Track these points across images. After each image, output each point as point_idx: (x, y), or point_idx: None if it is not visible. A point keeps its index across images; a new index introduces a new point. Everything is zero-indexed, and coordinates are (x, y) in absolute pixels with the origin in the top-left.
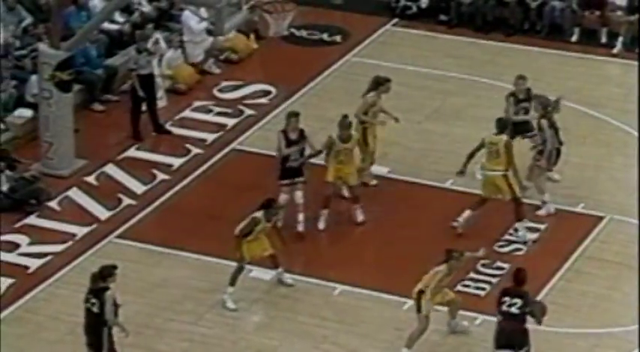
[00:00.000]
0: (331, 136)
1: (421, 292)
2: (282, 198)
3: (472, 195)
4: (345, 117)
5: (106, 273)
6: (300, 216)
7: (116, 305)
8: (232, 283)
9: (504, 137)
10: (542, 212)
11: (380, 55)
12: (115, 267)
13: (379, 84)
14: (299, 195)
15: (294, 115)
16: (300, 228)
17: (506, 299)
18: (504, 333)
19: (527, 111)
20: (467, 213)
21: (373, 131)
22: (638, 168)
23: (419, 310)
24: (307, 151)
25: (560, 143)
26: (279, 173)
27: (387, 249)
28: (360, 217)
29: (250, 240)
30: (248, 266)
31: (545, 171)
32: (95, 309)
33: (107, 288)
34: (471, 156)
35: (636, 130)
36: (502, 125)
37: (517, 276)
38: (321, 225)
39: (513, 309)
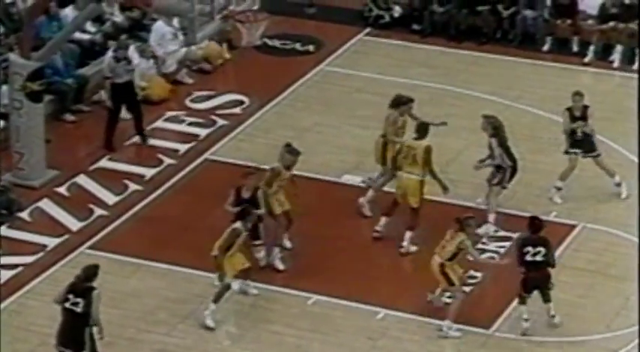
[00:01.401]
0: (276, 167)
1: (442, 265)
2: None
3: (443, 203)
4: (290, 144)
5: (90, 273)
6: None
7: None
8: (216, 301)
9: (424, 142)
10: (481, 230)
11: (353, 64)
12: (97, 267)
13: (401, 103)
14: (261, 255)
15: (249, 174)
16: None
17: (529, 249)
18: (533, 281)
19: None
20: (383, 219)
21: (393, 149)
22: (638, 186)
23: (451, 283)
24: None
25: (513, 161)
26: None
27: (361, 258)
28: (287, 244)
29: (232, 254)
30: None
31: (500, 191)
32: (79, 309)
33: (93, 288)
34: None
35: (607, 138)
36: (423, 130)
37: (534, 225)
38: (288, 244)
39: (538, 257)
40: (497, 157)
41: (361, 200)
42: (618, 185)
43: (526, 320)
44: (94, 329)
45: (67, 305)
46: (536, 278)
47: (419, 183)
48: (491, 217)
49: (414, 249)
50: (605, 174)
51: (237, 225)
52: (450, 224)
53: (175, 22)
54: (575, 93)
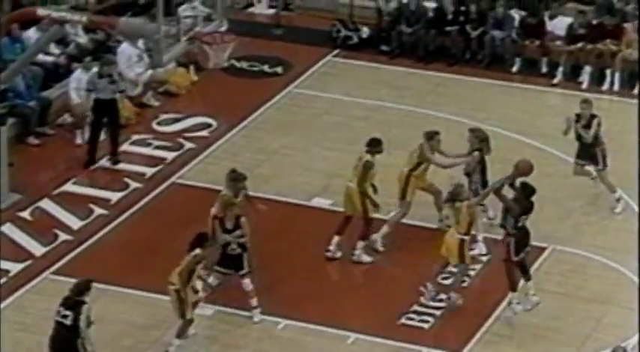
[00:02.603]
0: (226, 194)
1: (462, 242)
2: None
3: (412, 226)
4: (233, 171)
5: (83, 287)
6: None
7: (90, 322)
8: (180, 336)
9: (367, 156)
10: (475, 252)
11: (322, 86)
12: (90, 281)
13: (429, 138)
14: (246, 283)
15: (231, 204)
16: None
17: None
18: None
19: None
20: (335, 238)
21: (415, 184)
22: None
23: (463, 261)
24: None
25: (485, 182)
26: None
27: (331, 282)
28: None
29: (192, 285)
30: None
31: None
32: (68, 322)
33: (84, 302)
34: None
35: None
36: (371, 143)
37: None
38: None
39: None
40: (473, 173)
41: (374, 236)
42: (618, 200)
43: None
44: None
45: (58, 318)
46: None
47: (360, 194)
48: (481, 237)
49: (367, 259)
50: (608, 190)
51: (199, 251)
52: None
53: (140, 43)
54: (582, 101)
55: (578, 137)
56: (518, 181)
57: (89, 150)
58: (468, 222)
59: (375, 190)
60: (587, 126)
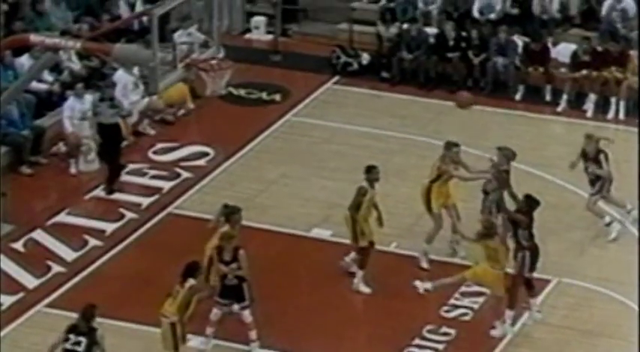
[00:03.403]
0: (227, 231)
1: (506, 274)
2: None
3: (416, 258)
4: (226, 206)
5: (89, 314)
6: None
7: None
8: None
9: (364, 184)
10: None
11: (321, 114)
12: (94, 307)
13: (447, 149)
14: (246, 315)
15: (229, 237)
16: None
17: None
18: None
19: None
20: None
21: (438, 195)
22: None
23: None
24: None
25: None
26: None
27: (330, 315)
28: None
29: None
30: None
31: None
32: (81, 348)
33: (95, 328)
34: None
35: (582, 190)
36: (366, 170)
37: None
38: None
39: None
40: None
41: (423, 264)
42: (608, 225)
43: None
44: None
45: (68, 345)
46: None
47: (351, 221)
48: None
49: (366, 289)
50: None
51: (193, 281)
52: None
53: (136, 70)
54: (586, 137)
55: (587, 171)
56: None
57: (115, 167)
58: (507, 254)
59: (380, 222)
60: (596, 162)
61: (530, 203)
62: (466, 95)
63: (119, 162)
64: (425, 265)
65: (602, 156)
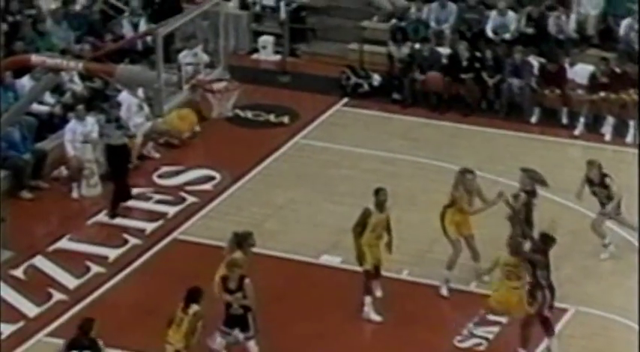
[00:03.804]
0: (233, 258)
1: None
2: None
3: (428, 286)
4: (236, 234)
5: (87, 328)
6: None
7: None
8: None
9: (370, 206)
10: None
11: (330, 136)
12: (93, 320)
13: (460, 174)
14: (251, 345)
15: (234, 265)
16: None
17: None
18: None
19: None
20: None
21: (452, 219)
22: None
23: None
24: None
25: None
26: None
27: (339, 344)
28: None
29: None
30: None
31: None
32: None
33: (97, 341)
34: None
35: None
36: (374, 193)
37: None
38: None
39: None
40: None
41: (443, 291)
42: (605, 246)
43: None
44: None
45: None
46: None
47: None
48: None
49: (376, 318)
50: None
51: (197, 308)
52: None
53: (141, 92)
54: (588, 163)
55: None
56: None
57: (122, 189)
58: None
59: (389, 249)
60: (603, 186)
61: (546, 241)
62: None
63: (127, 185)
64: (445, 292)
65: (607, 180)
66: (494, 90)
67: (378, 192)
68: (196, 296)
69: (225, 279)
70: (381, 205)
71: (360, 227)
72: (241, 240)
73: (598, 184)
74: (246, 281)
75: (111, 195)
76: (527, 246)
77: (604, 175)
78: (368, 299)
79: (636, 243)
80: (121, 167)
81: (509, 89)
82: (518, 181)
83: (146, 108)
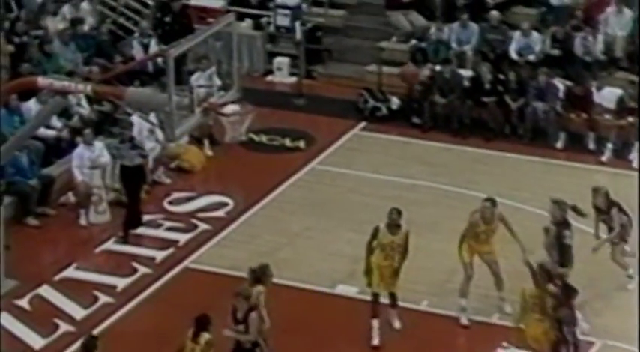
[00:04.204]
0: (243, 288)
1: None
2: None
3: (449, 317)
4: (253, 270)
5: (91, 346)
6: None
7: None
8: None
9: (381, 225)
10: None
11: (347, 162)
12: (96, 338)
13: (484, 202)
14: None
15: (241, 296)
16: None
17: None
18: None
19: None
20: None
21: (468, 244)
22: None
23: None
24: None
25: (563, 260)
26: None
27: None
28: None
29: None
30: None
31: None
32: None
33: None
34: None
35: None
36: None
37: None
38: None
39: None
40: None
41: (463, 321)
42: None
43: None
44: None
45: None
46: None
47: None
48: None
49: (374, 341)
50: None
51: (208, 336)
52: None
53: (153, 117)
54: (593, 189)
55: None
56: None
57: (134, 212)
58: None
59: (396, 272)
60: (608, 212)
61: (568, 293)
62: (412, 68)
63: (139, 210)
64: (464, 321)
65: (614, 211)
66: (517, 114)
67: (390, 212)
68: (205, 324)
69: (235, 309)
70: (390, 226)
71: (371, 243)
72: (260, 276)
73: (605, 212)
74: (252, 314)
75: (122, 218)
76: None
77: (611, 204)
78: (374, 323)
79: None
80: (135, 189)
81: (533, 113)
82: (549, 213)
83: (159, 133)
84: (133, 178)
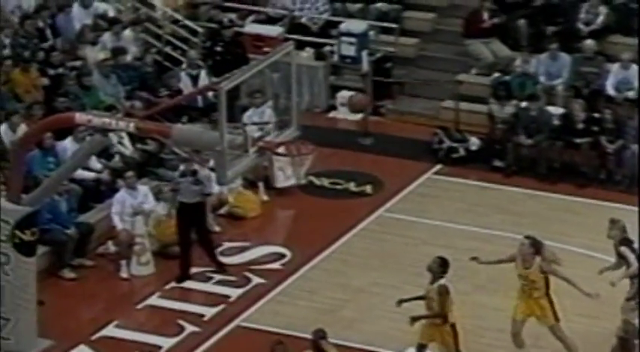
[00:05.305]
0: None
1: None
2: None
3: None
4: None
5: None
6: None
7: None
8: None
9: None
10: None
11: (419, 209)
12: None
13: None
14: None
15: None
16: None
17: None
18: None
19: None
20: None
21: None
22: None
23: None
24: None
25: None
26: None
27: None
28: None
29: None
30: None
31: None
32: None
33: None
34: None
35: None
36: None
37: None
38: None
39: None
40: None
41: None
42: None
43: None
44: None
45: None
46: None
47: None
48: None
49: None
50: None
51: None
52: None
53: (211, 163)
54: (610, 221)
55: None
56: None
57: (182, 263)
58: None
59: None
60: (620, 256)
61: None
62: (361, 97)
63: (210, 240)
64: None
65: (623, 249)
66: (614, 157)
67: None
68: None
69: None
70: (431, 273)
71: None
72: (320, 337)
73: (617, 245)
74: None
75: (181, 257)
76: None
77: (623, 241)
78: None
79: None
80: (196, 226)
81: (632, 156)
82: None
83: (212, 176)
84: (191, 217)
